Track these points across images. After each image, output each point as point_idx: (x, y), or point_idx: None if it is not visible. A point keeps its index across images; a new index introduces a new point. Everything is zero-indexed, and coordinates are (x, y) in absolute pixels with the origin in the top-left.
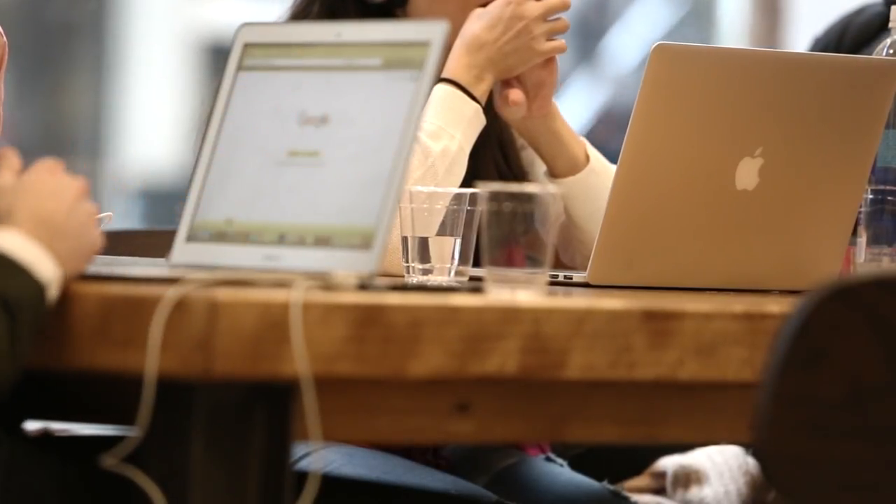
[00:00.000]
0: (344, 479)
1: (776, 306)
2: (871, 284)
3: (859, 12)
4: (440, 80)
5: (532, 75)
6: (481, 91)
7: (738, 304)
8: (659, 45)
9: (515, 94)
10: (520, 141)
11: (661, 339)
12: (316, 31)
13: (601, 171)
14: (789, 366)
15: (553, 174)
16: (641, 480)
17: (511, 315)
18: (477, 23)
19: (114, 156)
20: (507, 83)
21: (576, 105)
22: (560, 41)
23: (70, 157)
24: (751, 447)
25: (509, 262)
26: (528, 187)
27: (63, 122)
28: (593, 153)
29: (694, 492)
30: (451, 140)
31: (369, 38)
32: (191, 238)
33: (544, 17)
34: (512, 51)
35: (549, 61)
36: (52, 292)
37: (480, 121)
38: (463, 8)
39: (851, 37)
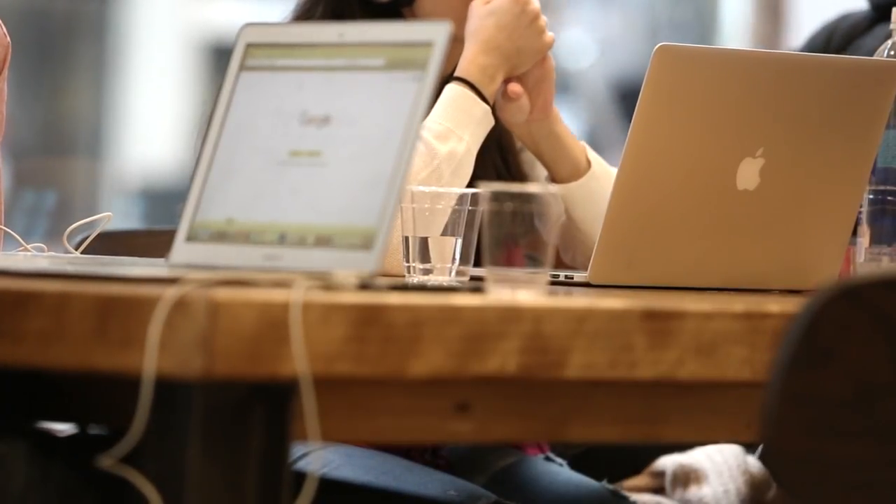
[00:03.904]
0: (342, 480)
1: (776, 306)
2: (877, 284)
3: (843, 18)
4: (453, 78)
5: (531, 73)
6: (492, 91)
7: (739, 304)
8: (661, 46)
9: (514, 86)
10: (518, 144)
11: (662, 338)
12: (318, 32)
13: (602, 176)
14: (796, 365)
15: (555, 180)
16: (641, 480)
17: (511, 315)
18: (487, 21)
19: (114, 156)
20: (506, 82)
21: None
22: (552, 34)
23: (70, 157)
24: (753, 446)
25: (510, 262)
26: (529, 187)
27: (63, 122)
28: (594, 157)
29: (693, 491)
30: (459, 142)
31: (372, 38)
32: (191, 238)
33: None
34: (524, 47)
35: (545, 57)
36: None
37: (489, 122)
38: (469, 6)
39: (838, 42)
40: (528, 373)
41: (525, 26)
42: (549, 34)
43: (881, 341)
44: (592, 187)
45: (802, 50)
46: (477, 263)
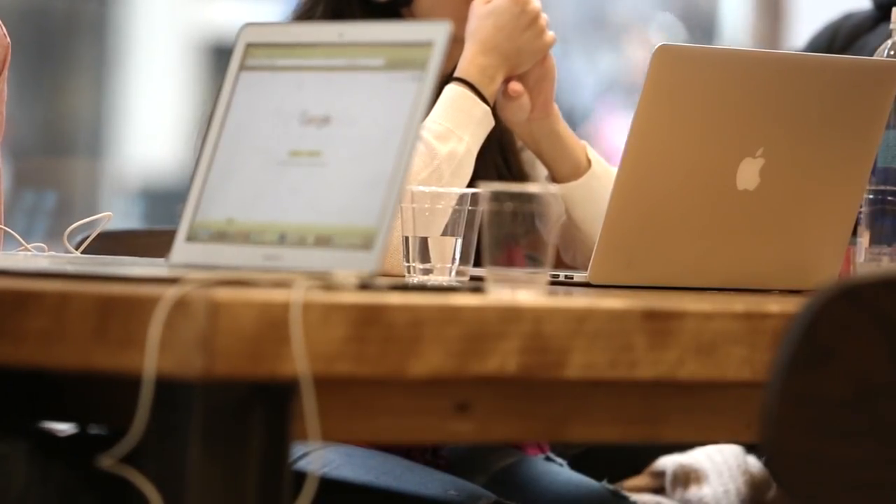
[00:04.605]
0: (342, 480)
1: (776, 306)
2: (877, 284)
3: (847, 17)
4: (453, 79)
5: (532, 72)
6: (491, 91)
7: (739, 304)
8: (661, 45)
9: (515, 85)
10: (519, 143)
11: (662, 338)
12: (318, 32)
13: (602, 175)
14: (796, 365)
15: (555, 179)
16: (641, 480)
17: (511, 315)
18: (486, 21)
19: (114, 156)
20: (506, 81)
21: None
22: (553, 33)
23: (70, 157)
24: (753, 446)
25: (510, 262)
26: (529, 187)
27: (63, 121)
28: (594, 156)
29: (693, 491)
30: (459, 143)
31: (372, 38)
32: (191, 238)
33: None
34: (524, 47)
35: (545, 56)
36: None
37: (489, 122)
38: (468, 6)
39: (841, 41)
40: (528, 373)
41: (525, 27)
42: (550, 34)
43: (881, 341)
44: (593, 187)
45: (806, 49)
46: (477, 263)
